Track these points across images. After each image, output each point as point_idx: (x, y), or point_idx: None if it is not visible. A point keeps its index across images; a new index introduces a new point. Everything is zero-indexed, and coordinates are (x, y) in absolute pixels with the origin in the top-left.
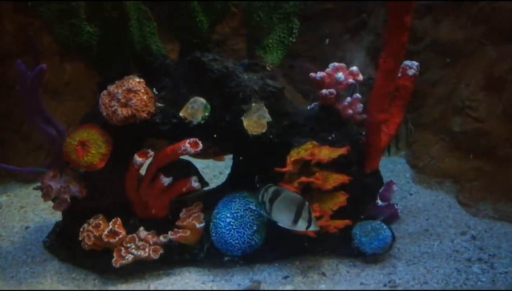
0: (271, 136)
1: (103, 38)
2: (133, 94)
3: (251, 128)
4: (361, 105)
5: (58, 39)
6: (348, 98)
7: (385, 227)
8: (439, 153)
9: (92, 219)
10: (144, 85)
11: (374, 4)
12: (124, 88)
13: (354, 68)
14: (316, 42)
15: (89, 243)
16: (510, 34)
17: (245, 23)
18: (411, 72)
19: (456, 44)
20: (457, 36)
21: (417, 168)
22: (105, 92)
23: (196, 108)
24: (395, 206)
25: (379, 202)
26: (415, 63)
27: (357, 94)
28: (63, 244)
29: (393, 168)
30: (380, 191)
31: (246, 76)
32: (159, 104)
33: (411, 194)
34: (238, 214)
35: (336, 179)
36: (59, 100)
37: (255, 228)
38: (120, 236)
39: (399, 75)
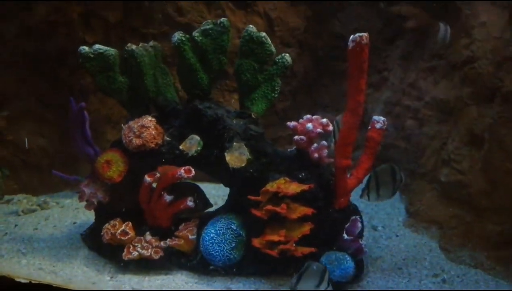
0: (251, 171)
1: (131, 86)
2: (145, 129)
3: (233, 162)
4: (326, 151)
5: (98, 85)
6: (315, 144)
7: (348, 258)
8: (429, 201)
9: (112, 220)
10: (155, 123)
11: (393, 63)
12: (139, 124)
13: (324, 120)
14: (340, 96)
15: (107, 238)
16: (489, 96)
17: (236, 80)
18: (378, 125)
19: (449, 103)
20: (450, 95)
21: (409, 212)
22: (126, 125)
23: (192, 144)
24: (360, 241)
25: (345, 236)
26: (382, 118)
27: (323, 142)
28: (93, 237)
29: (390, 212)
30: (346, 226)
31: (234, 121)
32: (167, 138)
33: (397, 236)
34: (220, 231)
35: (301, 210)
36: (118, 129)
37: (233, 244)
38: (129, 236)
39: (369, 127)
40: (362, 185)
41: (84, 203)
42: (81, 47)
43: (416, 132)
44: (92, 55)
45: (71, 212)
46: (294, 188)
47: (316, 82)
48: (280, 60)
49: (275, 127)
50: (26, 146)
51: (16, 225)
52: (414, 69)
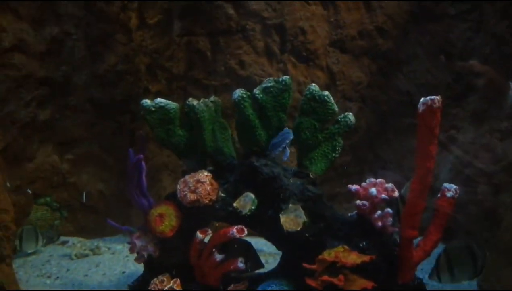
0: (306, 235)
1: (189, 139)
2: (200, 184)
3: (287, 224)
4: (391, 219)
5: (158, 138)
6: (379, 211)
7: None
8: (506, 278)
9: (160, 275)
10: (210, 178)
11: (463, 121)
12: (194, 179)
13: (389, 185)
14: (405, 153)
15: None
16: None
17: (295, 138)
18: (449, 194)
19: None
20: None
21: (483, 289)
22: (182, 179)
23: (246, 202)
24: None
25: None
26: (453, 186)
27: (388, 209)
28: (140, 289)
29: (459, 286)
30: None
31: (291, 181)
32: (221, 194)
33: None
34: None
35: (361, 283)
36: (174, 177)
37: None
38: None
39: (439, 195)
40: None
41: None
42: (144, 101)
43: (490, 199)
44: (153, 108)
45: (122, 260)
46: (353, 258)
47: (378, 137)
48: (342, 119)
49: (333, 183)
50: (83, 200)
51: (68, 270)
52: (487, 130)
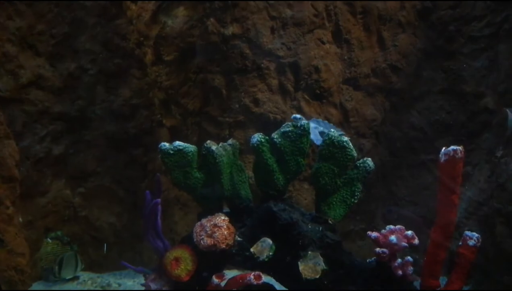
0: (325, 282)
1: (206, 182)
2: (217, 228)
3: (306, 272)
4: (411, 268)
5: (175, 180)
6: (399, 260)
7: None
8: None
9: None
10: (228, 222)
11: (479, 158)
12: (211, 222)
13: (409, 232)
14: (418, 189)
15: None
16: None
17: (313, 183)
18: (471, 242)
19: None
20: None
21: None
22: (198, 223)
23: (263, 247)
24: None
25: None
26: (476, 234)
27: (408, 258)
28: None
29: None
30: None
31: (309, 226)
32: (238, 238)
33: None
34: None
35: None
36: (186, 211)
37: None
38: None
39: (460, 243)
40: None
41: None
42: (162, 144)
43: (508, 241)
44: (172, 152)
45: None
46: None
47: (392, 173)
48: (361, 165)
49: (347, 220)
50: (105, 251)
51: None
52: (504, 169)
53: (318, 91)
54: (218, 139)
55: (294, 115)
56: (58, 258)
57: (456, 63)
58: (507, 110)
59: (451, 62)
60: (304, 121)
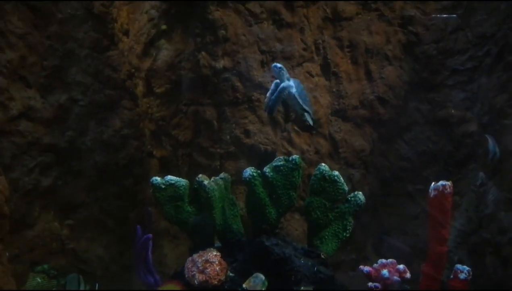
0: None
1: (197, 216)
2: (209, 264)
3: None
4: None
5: (166, 214)
6: None
7: None
8: None
9: None
10: (219, 258)
11: (467, 187)
12: (203, 258)
13: (401, 266)
14: (407, 218)
15: None
16: None
17: (305, 217)
18: (462, 276)
19: None
20: None
21: None
22: (190, 258)
23: (256, 283)
24: None
25: None
26: (466, 268)
27: None
28: None
29: None
30: None
31: (302, 261)
32: (230, 274)
33: None
34: None
35: None
36: (176, 243)
37: None
38: None
39: (451, 277)
40: None
41: None
42: (154, 178)
43: (499, 272)
44: (163, 186)
45: None
46: None
47: (381, 203)
48: (352, 199)
49: (337, 251)
50: (96, 288)
51: None
52: (492, 199)
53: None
54: (209, 170)
55: (274, 64)
56: (62, 282)
57: (441, 95)
58: (488, 136)
59: (436, 94)
60: (295, 156)
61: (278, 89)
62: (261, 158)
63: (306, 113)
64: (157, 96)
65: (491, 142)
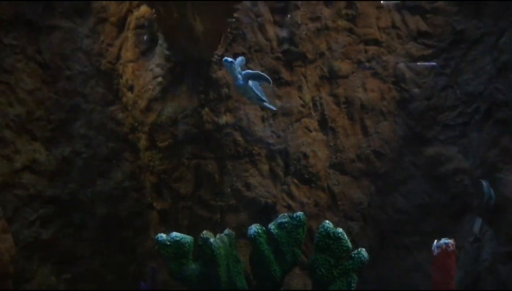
0: None
1: (202, 273)
2: None
3: None
4: None
5: (170, 271)
6: None
7: None
8: None
9: None
10: None
11: (464, 240)
12: None
13: None
14: (406, 271)
15: None
16: None
17: (310, 274)
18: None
19: None
20: None
21: None
22: None
23: None
24: None
25: None
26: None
27: None
28: None
29: None
30: None
31: None
32: None
33: None
34: None
35: None
36: None
37: None
38: None
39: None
40: None
41: None
42: (159, 235)
43: None
44: (168, 243)
45: None
46: None
47: (380, 255)
48: (356, 256)
49: None
50: None
51: None
52: (489, 252)
53: (307, 176)
54: (209, 223)
55: (225, 58)
56: None
57: (434, 149)
58: (482, 181)
59: (430, 148)
60: (300, 213)
61: (236, 86)
62: (261, 211)
63: (265, 103)
64: (159, 150)
65: (485, 185)
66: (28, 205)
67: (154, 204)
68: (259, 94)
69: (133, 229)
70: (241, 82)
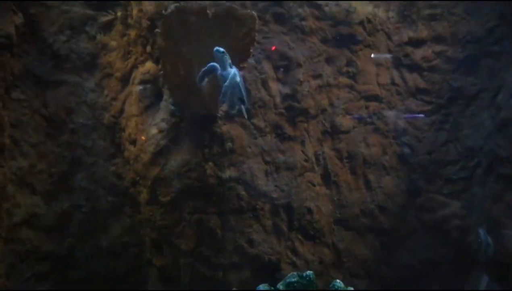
0: None
1: None
2: None
3: None
4: None
5: None
6: None
7: None
8: None
9: None
10: None
11: None
12: None
13: None
14: None
15: None
16: None
17: None
18: None
19: None
20: None
21: None
22: None
23: None
24: None
25: None
26: None
27: None
28: None
29: None
30: None
31: None
32: None
33: None
34: None
35: None
36: None
37: None
38: None
39: None
40: None
41: None
42: None
43: None
44: None
45: None
46: None
47: None
48: None
49: None
50: None
51: None
52: None
53: (312, 232)
54: (211, 281)
55: (216, 48)
56: None
57: (437, 203)
58: (479, 230)
59: (433, 203)
60: (309, 272)
61: (231, 76)
62: (265, 268)
63: (242, 106)
64: (161, 204)
65: (482, 233)
66: (24, 261)
67: (154, 260)
68: (244, 95)
69: (130, 284)
70: (237, 78)
